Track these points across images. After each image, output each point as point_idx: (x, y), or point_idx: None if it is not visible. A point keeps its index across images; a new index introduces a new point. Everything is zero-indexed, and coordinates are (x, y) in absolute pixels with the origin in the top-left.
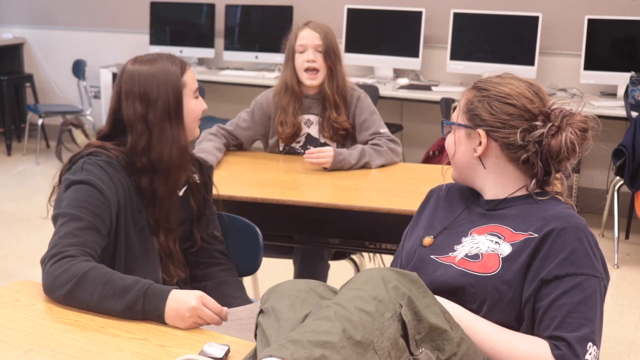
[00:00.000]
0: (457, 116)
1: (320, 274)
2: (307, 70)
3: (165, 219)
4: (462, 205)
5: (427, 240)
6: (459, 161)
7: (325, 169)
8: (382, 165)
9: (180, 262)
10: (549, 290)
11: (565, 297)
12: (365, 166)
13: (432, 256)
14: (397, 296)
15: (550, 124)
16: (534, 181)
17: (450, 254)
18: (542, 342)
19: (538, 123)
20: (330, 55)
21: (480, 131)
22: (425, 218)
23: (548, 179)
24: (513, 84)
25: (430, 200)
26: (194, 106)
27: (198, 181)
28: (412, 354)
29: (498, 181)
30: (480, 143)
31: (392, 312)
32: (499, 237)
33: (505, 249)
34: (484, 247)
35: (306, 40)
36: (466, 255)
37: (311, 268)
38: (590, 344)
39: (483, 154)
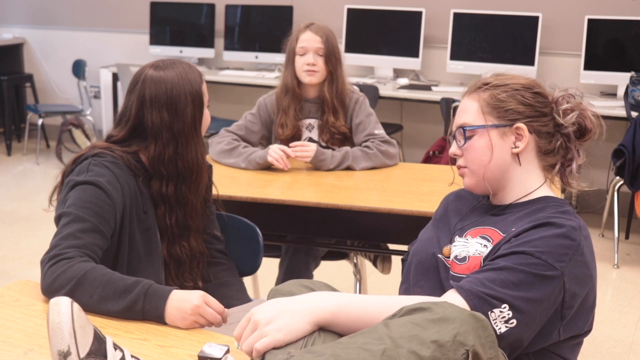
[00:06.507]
0: (474, 120)
1: (303, 270)
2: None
3: (195, 222)
4: (469, 209)
5: (446, 250)
6: (495, 167)
7: (306, 162)
8: (372, 168)
9: (202, 264)
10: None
11: (502, 259)
12: (349, 168)
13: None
14: (463, 345)
15: (563, 107)
16: (557, 167)
17: (451, 257)
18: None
19: (557, 108)
20: (331, 59)
21: (520, 125)
22: (439, 224)
23: (571, 165)
24: (521, 76)
25: (442, 206)
26: (207, 115)
27: None
28: None
29: (524, 178)
30: (517, 138)
31: None
32: (488, 240)
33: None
34: (473, 249)
35: (307, 43)
36: (456, 258)
37: (296, 265)
38: (505, 305)
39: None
